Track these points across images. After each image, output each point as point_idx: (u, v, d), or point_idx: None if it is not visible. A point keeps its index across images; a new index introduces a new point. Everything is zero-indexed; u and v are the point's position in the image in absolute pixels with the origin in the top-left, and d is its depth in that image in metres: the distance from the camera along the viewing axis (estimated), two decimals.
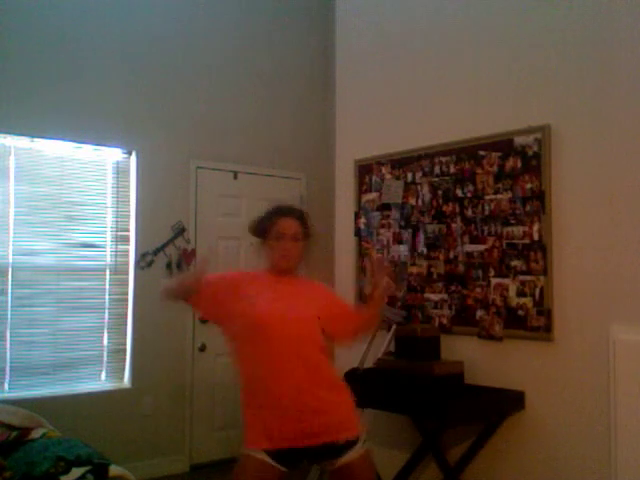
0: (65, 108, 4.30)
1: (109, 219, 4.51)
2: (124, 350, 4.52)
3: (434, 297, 3.56)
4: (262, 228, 2.56)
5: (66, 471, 2.50)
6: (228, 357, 5.10)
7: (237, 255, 4.97)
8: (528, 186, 3.17)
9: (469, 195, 3.42)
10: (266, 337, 2.40)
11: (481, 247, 3.35)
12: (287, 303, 2.46)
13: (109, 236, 4.51)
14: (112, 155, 4.52)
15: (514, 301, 3.21)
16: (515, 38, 3.31)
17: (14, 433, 2.96)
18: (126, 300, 4.54)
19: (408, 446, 3.52)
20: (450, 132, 3.52)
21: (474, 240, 3.39)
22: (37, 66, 4.20)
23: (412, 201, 3.70)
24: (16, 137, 4.15)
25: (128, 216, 4.57)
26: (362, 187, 4.00)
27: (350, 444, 2.35)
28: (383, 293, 2.61)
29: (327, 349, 2.51)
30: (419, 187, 3.67)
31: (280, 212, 2.57)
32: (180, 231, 4.72)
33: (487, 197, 3.34)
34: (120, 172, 4.55)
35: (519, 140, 3.21)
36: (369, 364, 3.57)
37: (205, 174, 4.87)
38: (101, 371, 4.44)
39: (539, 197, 3.12)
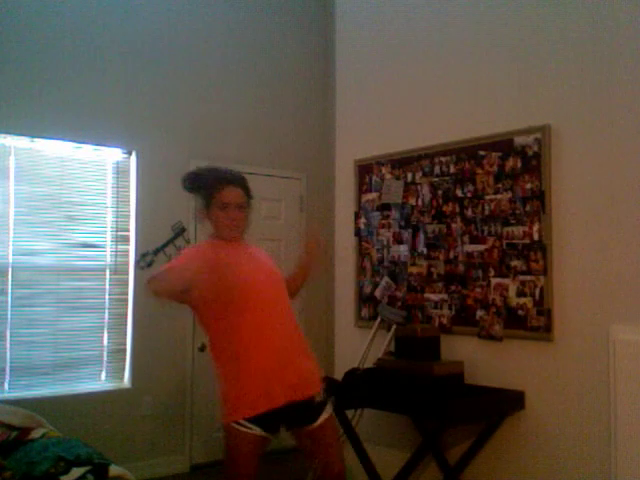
0: (65, 108, 4.30)
1: (109, 219, 4.51)
2: (124, 350, 4.52)
3: (434, 297, 3.56)
4: (205, 195, 2.54)
5: (66, 471, 2.50)
6: None
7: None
8: (528, 186, 3.17)
9: (469, 195, 3.42)
10: (255, 301, 2.48)
11: (481, 247, 3.35)
12: (257, 267, 2.57)
13: (109, 236, 4.51)
14: (112, 155, 4.53)
15: (514, 301, 3.21)
16: (515, 38, 3.30)
17: (14, 433, 2.96)
18: (126, 300, 4.54)
19: (408, 446, 3.52)
20: (450, 132, 3.52)
21: (474, 240, 3.39)
22: (37, 66, 4.20)
23: (412, 201, 3.70)
24: (16, 137, 4.15)
25: (128, 216, 4.57)
26: (362, 187, 4.00)
27: (321, 405, 2.54)
28: (311, 261, 2.79)
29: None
30: (419, 187, 3.67)
31: (224, 180, 2.55)
32: (180, 231, 4.71)
33: (487, 197, 3.34)
34: (120, 172, 4.56)
35: (519, 140, 3.21)
36: (369, 364, 3.57)
37: None
38: (101, 371, 4.45)
39: (539, 197, 3.12)
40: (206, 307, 2.51)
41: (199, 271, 2.34)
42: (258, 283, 2.52)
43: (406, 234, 3.72)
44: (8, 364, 4.09)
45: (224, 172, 2.60)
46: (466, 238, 3.42)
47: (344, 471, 2.61)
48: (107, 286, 4.48)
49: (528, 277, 3.15)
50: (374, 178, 3.92)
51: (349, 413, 3.36)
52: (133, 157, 4.58)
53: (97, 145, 4.42)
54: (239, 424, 2.41)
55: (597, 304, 2.93)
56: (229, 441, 2.45)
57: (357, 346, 3.77)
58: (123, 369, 4.52)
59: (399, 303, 3.72)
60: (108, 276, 4.48)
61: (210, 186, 2.54)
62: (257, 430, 2.41)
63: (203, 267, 2.36)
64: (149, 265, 4.56)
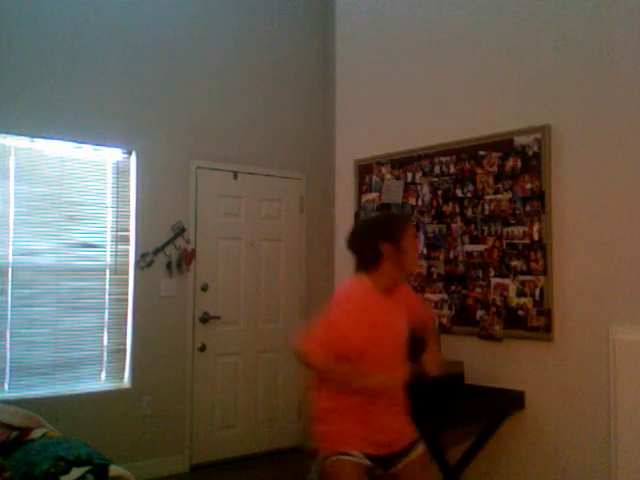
0: (65, 108, 4.30)
1: (109, 219, 4.51)
2: (124, 350, 4.52)
3: (434, 297, 3.56)
4: (394, 234, 2.38)
5: (66, 471, 2.50)
6: (228, 357, 5.11)
7: (237, 255, 4.98)
8: (528, 186, 3.17)
9: (469, 195, 3.42)
10: (386, 362, 2.41)
11: (481, 247, 3.35)
12: (394, 324, 2.46)
13: (109, 236, 4.50)
14: (112, 155, 4.52)
15: (514, 301, 3.21)
16: (515, 38, 3.31)
17: (14, 433, 2.96)
18: (126, 300, 4.54)
19: None
20: (450, 132, 3.52)
21: (474, 240, 3.39)
22: (37, 66, 4.20)
23: (412, 201, 3.70)
24: (16, 137, 4.14)
25: (128, 216, 4.57)
26: (362, 187, 4.00)
27: (412, 444, 2.49)
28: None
29: None
30: (419, 187, 3.67)
31: (407, 217, 2.73)
32: (180, 231, 4.71)
33: (487, 197, 3.34)
34: (120, 172, 4.55)
35: (519, 140, 3.21)
36: None
37: (205, 174, 4.87)
38: (101, 371, 4.44)
39: (539, 197, 3.12)
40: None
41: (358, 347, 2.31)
42: (397, 335, 2.46)
43: None
44: (8, 364, 4.08)
45: (395, 212, 2.69)
46: (466, 238, 3.42)
47: None
48: (107, 286, 4.47)
49: (528, 277, 3.15)
50: (374, 178, 3.92)
51: None
52: (133, 157, 4.58)
53: (97, 145, 4.42)
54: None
55: (597, 304, 2.93)
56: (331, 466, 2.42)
57: None
58: (123, 369, 4.52)
59: None
60: (108, 276, 4.48)
61: (399, 223, 2.44)
62: (361, 458, 2.37)
63: (361, 340, 2.31)
64: (149, 265, 4.57)
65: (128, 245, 4.56)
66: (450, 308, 3.48)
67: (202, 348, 4.79)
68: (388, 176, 3.84)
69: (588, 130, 3.00)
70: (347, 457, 2.35)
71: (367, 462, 2.38)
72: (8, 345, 4.08)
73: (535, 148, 3.15)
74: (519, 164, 3.21)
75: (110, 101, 4.46)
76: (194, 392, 4.74)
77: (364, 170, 3.99)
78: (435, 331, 2.73)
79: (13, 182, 4.14)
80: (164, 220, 4.65)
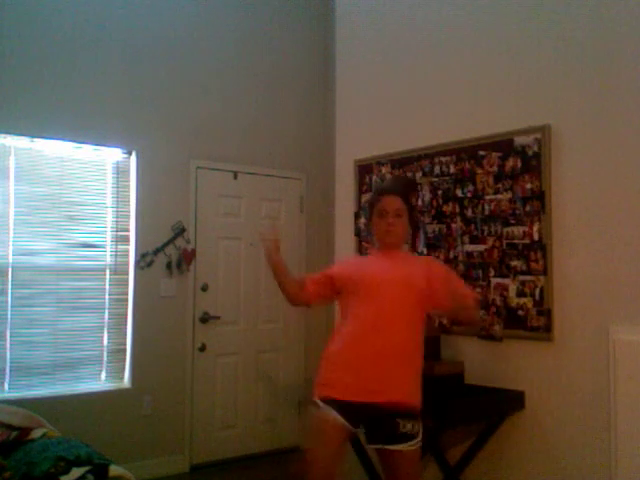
0: (65, 108, 4.30)
1: (109, 219, 4.51)
2: (124, 350, 4.52)
3: None
4: (368, 207, 2.79)
5: (66, 471, 2.49)
6: (228, 357, 5.12)
7: (237, 255, 4.98)
8: (528, 186, 3.17)
9: (469, 195, 3.42)
10: (367, 297, 2.60)
11: (481, 247, 3.35)
12: (392, 271, 2.64)
13: (109, 236, 4.51)
14: (112, 155, 4.53)
15: (514, 301, 3.21)
16: (515, 38, 3.30)
17: (14, 433, 2.96)
18: (126, 300, 4.55)
19: None
20: (450, 132, 3.52)
21: (474, 240, 3.39)
22: (37, 66, 4.20)
23: (412, 201, 3.69)
24: (16, 137, 4.15)
25: (128, 216, 4.57)
26: (362, 187, 4.00)
27: (408, 437, 2.54)
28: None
29: (422, 323, 2.69)
30: (419, 187, 3.66)
31: (382, 191, 2.78)
32: (180, 231, 4.72)
33: (487, 197, 3.33)
34: (120, 172, 4.56)
35: (519, 140, 3.21)
36: None
37: (205, 174, 4.87)
38: (101, 371, 4.45)
39: (539, 197, 3.12)
40: (338, 298, 2.81)
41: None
42: (379, 283, 2.62)
43: None
44: (8, 364, 4.09)
45: (386, 184, 2.87)
46: (466, 238, 3.42)
47: None
48: (107, 286, 4.48)
49: (528, 277, 3.15)
50: (374, 178, 3.92)
51: None
52: (133, 157, 4.58)
53: (97, 145, 4.42)
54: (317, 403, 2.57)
55: (597, 304, 2.93)
56: (313, 419, 2.61)
57: None
58: (123, 369, 4.52)
59: None
60: (108, 276, 4.48)
61: (373, 198, 2.77)
62: (338, 417, 2.50)
63: (321, 280, 2.77)
64: (149, 265, 4.57)
65: (128, 245, 4.56)
66: None
67: (202, 348, 4.79)
68: (388, 176, 3.84)
69: (588, 130, 3.00)
70: (330, 414, 2.50)
71: (347, 425, 2.50)
72: (8, 345, 4.08)
73: (535, 148, 3.15)
74: (519, 164, 3.21)
75: (110, 101, 4.47)
76: (194, 392, 4.74)
77: (364, 170, 3.99)
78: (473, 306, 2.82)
79: (13, 182, 4.14)
80: (164, 220, 4.65)
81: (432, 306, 2.72)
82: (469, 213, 3.41)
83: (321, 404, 2.56)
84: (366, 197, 3.96)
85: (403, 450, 2.55)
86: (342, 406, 2.51)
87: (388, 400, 2.54)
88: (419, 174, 3.67)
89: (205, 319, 4.79)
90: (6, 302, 4.09)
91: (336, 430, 2.51)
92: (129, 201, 4.57)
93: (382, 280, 2.62)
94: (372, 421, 2.57)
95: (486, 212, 3.34)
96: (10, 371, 4.09)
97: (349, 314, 2.67)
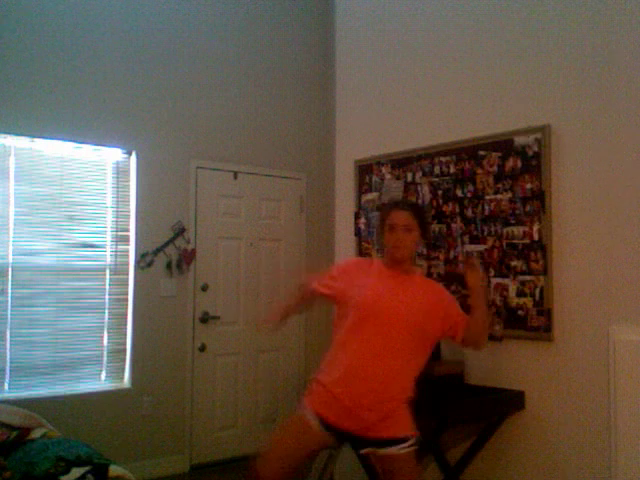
0: (65, 108, 4.30)
1: (109, 219, 4.51)
2: (124, 350, 4.52)
3: None
4: (379, 221, 2.78)
5: (66, 471, 2.50)
6: (228, 357, 5.11)
7: (237, 255, 4.98)
8: (528, 186, 3.17)
9: (469, 195, 3.42)
10: (363, 318, 2.55)
11: (481, 247, 3.35)
12: (392, 295, 2.58)
13: (109, 236, 4.51)
14: (112, 155, 4.52)
15: (514, 301, 3.21)
16: (515, 38, 3.30)
17: (14, 433, 2.96)
18: (126, 300, 4.54)
19: None
20: (450, 132, 3.52)
21: (474, 240, 3.39)
22: (37, 66, 4.20)
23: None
24: (16, 137, 4.15)
25: (128, 216, 4.57)
26: (362, 187, 4.00)
27: (397, 440, 2.51)
28: (479, 290, 2.74)
29: (423, 356, 2.64)
30: (419, 187, 3.66)
31: (394, 205, 2.75)
32: (180, 231, 4.72)
33: (487, 197, 3.34)
34: (120, 172, 4.55)
35: (519, 140, 3.21)
36: None
37: (205, 174, 4.87)
38: (101, 371, 4.44)
39: (539, 197, 3.12)
40: (336, 305, 2.75)
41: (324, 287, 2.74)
42: (377, 310, 2.55)
43: None
44: (8, 364, 4.08)
45: (399, 200, 2.88)
46: (466, 238, 3.42)
47: None
48: (107, 286, 4.48)
49: (528, 277, 3.15)
50: (374, 178, 3.92)
51: None
52: (133, 157, 4.58)
53: (97, 145, 4.42)
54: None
55: (597, 304, 2.93)
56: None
57: None
58: (123, 369, 4.52)
59: None
60: (108, 276, 4.48)
61: (384, 211, 2.76)
62: (316, 423, 2.52)
63: (328, 283, 2.73)
64: (149, 265, 4.57)
65: (128, 245, 4.56)
66: None
67: (202, 348, 4.79)
68: (388, 176, 3.84)
69: (588, 130, 3.00)
70: (311, 419, 2.51)
71: (320, 427, 2.51)
72: (8, 345, 4.08)
73: (535, 148, 3.15)
74: (519, 164, 3.21)
75: (110, 101, 4.47)
76: (194, 392, 4.74)
77: (364, 170, 3.99)
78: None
79: (13, 182, 4.14)
80: (164, 220, 4.65)
81: (446, 336, 2.70)
82: (469, 213, 3.41)
83: (308, 410, 2.55)
84: (366, 197, 3.96)
85: (395, 453, 2.51)
86: (328, 426, 2.52)
87: (378, 437, 2.52)
88: (419, 174, 3.67)
89: (205, 319, 4.79)
90: (6, 302, 4.08)
91: (311, 434, 2.51)
92: (129, 201, 4.57)
93: (383, 308, 2.55)
94: (357, 438, 2.56)
95: (486, 212, 3.34)
96: (10, 371, 4.09)
97: (346, 334, 2.60)
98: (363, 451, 2.60)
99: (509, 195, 3.24)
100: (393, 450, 2.50)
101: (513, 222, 3.22)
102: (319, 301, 2.89)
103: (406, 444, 2.52)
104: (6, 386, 4.07)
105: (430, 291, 2.73)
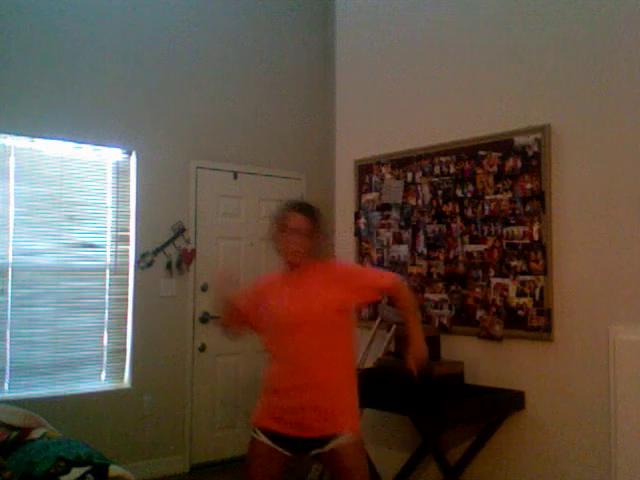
0: (65, 108, 4.30)
1: (109, 219, 4.51)
2: (124, 350, 4.52)
3: (434, 297, 3.56)
4: (274, 223, 2.66)
5: (66, 471, 2.49)
6: (228, 357, 5.11)
7: (237, 255, 4.97)
8: (528, 186, 3.17)
9: (469, 195, 3.42)
10: (278, 341, 2.59)
11: (481, 247, 3.35)
12: (293, 300, 2.54)
13: (109, 236, 4.50)
14: (112, 155, 4.52)
15: (514, 301, 3.21)
16: (515, 38, 3.31)
17: (14, 433, 2.96)
18: (126, 300, 4.54)
19: (408, 446, 3.53)
20: (450, 132, 3.52)
21: (474, 240, 3.39)
22: (37, 66, 4.20)
23: (412, 201, 3.70)
24: (16, 137, 4.14)
25: (128, 216, 4.57)
26: (362, 187, 4.00)
27: (334, 436, 2.45)
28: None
29: (342, 333, 2.57)
30: (419, 187, 3.67)
31: (287, 207, 2.65)
32: (180, 231, 4.71)
33: (487, 197, 3.34)
34: (120, 172, 4.55)
35: (519, 140, 3.21)
36: (369, 364, 3.57)
37: (205, 174, 4.87)
38: (101, 371, 4.44)
39: (539, 197, 3.12)
40: (257, 331, 2.75)
41: (226, 303, 2.66)
42: (282, 318, 2.55)
43: (406, 234, 3.72)
44: (8, 364, 4.08)
45: (292, 201, 2.71)
46: (466, 238, 3.42)
47: None
48: (107, 286, 4.47)
49: (528, 277, 3.15)
50: (374, 178, 3.92)
51: None
52: (133, 157, 4.58)
53: (97, 145, 4.42)
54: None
55: (597, 304, 2.93)
56: (249, 446, 2.55)
57: (357, 346, 3.76)
58: (123, 369, 4.52)
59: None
60: (108, 276, 4.48)
61: (277, 214, 2.65)
62: (270, 442, 2.50)
63: (242, 302, 2.66)
64: (149, 265, 4.57)
65: (128, 245, 4.56)
66: (450, 308, 3.48)
67: (202, 348, 4.79)
68: (388, 176, 3.84)
69: (588, 130, 3.00)
70: (260, 437, 2.52)
71: (275, 446, 2.49)
72: (8, 345, 4.08)
73: (535, 148, 3.15)
74: (519, 164, 3.21)
75: (110, 101, 4.46)
76: (194, 392, 4.74)
77: (364, 170, 3.99)
78: (412, 305, 2.63)
79: (13, 182, 4.14)
80: (164, 220, 4.65)
81: (360, 304, 2.71)
82: (469, 213, 3.41)
83: (256, 428, 2.55)
84: (366, 197, 3.96)
85: (335, 448, 2.44)
86: (273, 436, 2.50)
87: (317, 436, 2.47)
88: (419, 174, 3.67)
89: (205, 319, 4.79)
90: (6, 302, 4.08)
91: (269, 454, 2.50)
92: (129, 201, 4.57)
93: (287, 317, 2.54)
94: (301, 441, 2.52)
95: (486, 212, 3.34)
96: (10, 371, 4.09)
97: (268, 349, 2.67)
98: (313, 452, 2.51)
99: (509, 195, 3.24)
100: (337, 442, 2.43)
101: (513, 222, 3.22)
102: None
103: (348, 434, 2.45)
104: (6, 386, 4.07)
105: (330, 271, 2.65)
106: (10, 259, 4.11)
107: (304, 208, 2.65)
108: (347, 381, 2.56)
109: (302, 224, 2.57)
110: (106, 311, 4.46)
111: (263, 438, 2.51)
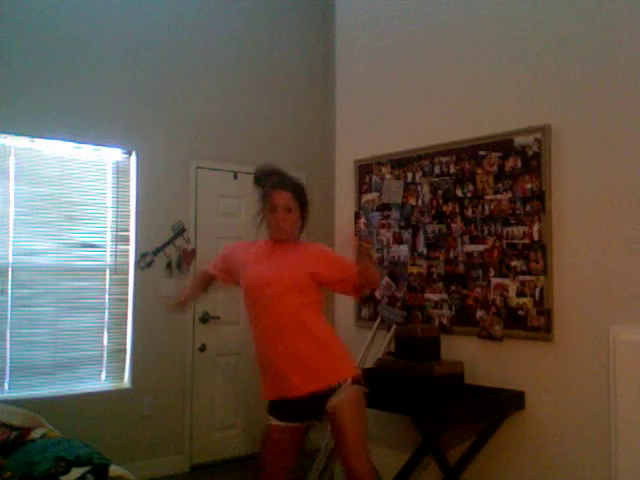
0: (65, 108, 4.30)
1: (109, 219, 4.51)
2: (124, 350, 4.52)
3: (434, 297, 3.56)
4: (261, 196, 2.80)
5: (66, 471, 2.49)
6: (228, 357, 5.11)
7: None
8: (528, 186, 3.17)
9: (469, 195, 3.42)
10: (253, 301, 2.70)
11: (481, 247, 3.35)
12: (276, 268, 2.67)
13: (109, 236, 4.51)
14: (112, 155, 4.53)
15: (514, 301, 3.21)
16: (515, 38, 3.30)
17: (14, 433, 2.96)
18: (126, 300, 4.55)
19: (408, 446, 3.52)
20: (450, 132, 3.52)
21: (474, 240, 3.39)
22: (37, 66, 4.20)
23: (412, 201, 3.70)
24: (16, 137, 4.15)
25: (128, 216, 4.57)
26: (362, 187, 4.00)
27: (334, 389, 2.56)
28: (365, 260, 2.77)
29: (318, 303, 2.71)
30: (419, 187, 3.67)
31: (274, 185, 2.76)
32: (180, 231, 4.72)
33: (487, 197, 3.34)
34: (120, 172, 4.56)
35: (519, 140, 3.21)
36: (369, 364, 3.57)
37: (205, 174, 4.87)
38: (101, 371, 4.45)
39: (539, 197, 3.12)
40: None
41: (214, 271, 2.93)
42: (260, 284, 2.67)
43: (406, 234, 3.72)
44: (8, 364, 4.09)
45: (279, 179, 2.80)
46: (466, 238, 3.42)
47: (364, 474, 2.59)
48: (107, 286, 4.48)
49: (528, 277, 3.15)
50: (374, 178, 3.92)
51: None
52: (133, 157, 4.58)
53: (97, 145, 4.42)
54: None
55: (597, 304, 2.93)
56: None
57: (357, 346, 3.76)
58: (123, 369, 4.52)
59: (399, 303, 3.72)
60: (108, 276, 4.49)
61: (266, 189, 2.77)
62: (279, 422, 2.64)
63: (220, 266, 2.91)
64: (149, 265, 4.57)
65: (128, 245, 4.56)
66: (450, 308, 3.48)
67: (202, 348, 4.79)
68: (388, 176, 3.84)
69: (588, 130, 3.00)
70: (271, 421, 2.65)
71: (286, 424, 2.61)
72: (8, 345, 4.08)
73: (535, 148, 3.15)
74: (519, 164, 3.21)
75: (110, 101, 4.47)
76: (194, 392, 4.74)
77: (364, 170, 3.99)
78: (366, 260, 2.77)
79: (13, 182, 4.15)
80: (164, 220, 4.65)
81: (332, 283, 2.74)
82: (469, 213, 3.41)
83: (269, 417, 2.68)
84: (366, 197, 3.96)
85: (337, 403, 2.53)
86: (278, 411, 2.64)
87: (301, 395, 2.58)
88: (419, 174, 3.67)
89: (205, 319, 4.79)
90: (6, 302, 4.09)
91: (281, 434, 2.63)
92: (129, 201, 4.57)
93: (267, 283, 2.65)
94: (299, 407, 2.61)
95: (486, 212, 3.34)
96: (10, 371, 4.09)
97: (247, 313, 2.77)
98: (317, 417, 2.64)
99: (509, 195, 3.24)
100: (337, 397, 2.54)
101: (513, 222, 3.22)
102: (217, 283, 3.05)
103: (343, 385, 2.56)
104: (6, 386, 4.08)
105: (313, 249, 2.80)
106: (10, 259, 4.11)
107: (291, 185, 2.77)
108: (328, 339, 2.67)
109: (290, 202, 2.71)
110: (106, 311, 4.47)
111: (274, 422, 2.63)
